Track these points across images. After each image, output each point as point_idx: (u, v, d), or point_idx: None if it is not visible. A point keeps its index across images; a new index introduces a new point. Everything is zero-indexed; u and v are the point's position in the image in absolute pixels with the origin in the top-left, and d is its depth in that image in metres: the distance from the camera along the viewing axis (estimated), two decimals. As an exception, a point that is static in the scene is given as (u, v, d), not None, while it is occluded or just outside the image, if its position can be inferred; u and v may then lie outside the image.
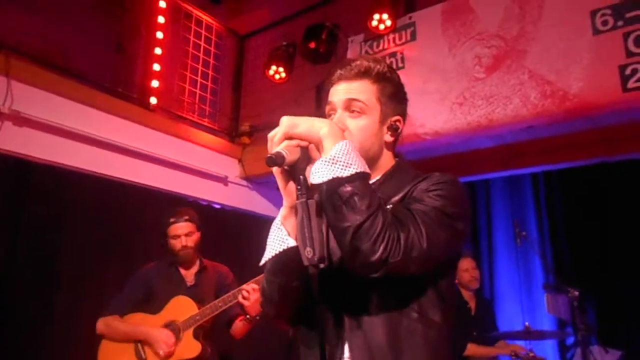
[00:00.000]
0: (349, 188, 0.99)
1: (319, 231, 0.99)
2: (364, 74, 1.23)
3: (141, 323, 2.70)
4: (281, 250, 1.12)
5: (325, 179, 1.00)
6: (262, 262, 1.17)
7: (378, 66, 1.24)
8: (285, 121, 1.07)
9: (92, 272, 3.32)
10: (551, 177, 4.54)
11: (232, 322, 2.71)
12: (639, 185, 3.87)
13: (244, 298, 2.45)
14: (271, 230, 1.15)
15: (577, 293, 2.98)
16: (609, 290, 3.90)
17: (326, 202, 1.01)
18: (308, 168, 1.06)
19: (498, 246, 4.75)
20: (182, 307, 2.68)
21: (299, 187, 1.03)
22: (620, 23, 2.71)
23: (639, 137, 3.07)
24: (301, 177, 1.04)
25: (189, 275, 2.82)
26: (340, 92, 1.23)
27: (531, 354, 3.05)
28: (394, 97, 1.25)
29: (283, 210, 1.14)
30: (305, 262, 0.98)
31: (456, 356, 3.26)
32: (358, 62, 1.24)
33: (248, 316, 2.56)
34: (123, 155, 3.56)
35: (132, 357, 2.65)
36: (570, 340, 3.99)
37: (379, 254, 0.97)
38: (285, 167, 1.06)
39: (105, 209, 3.45)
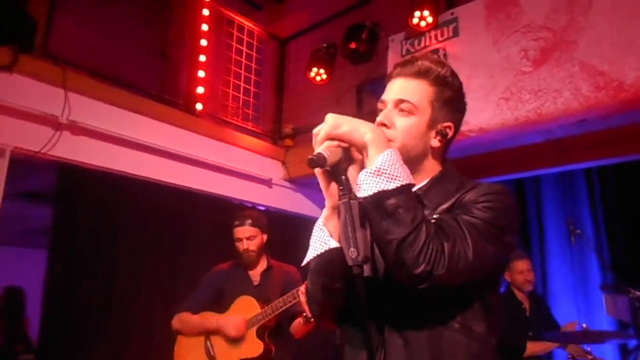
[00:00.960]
0: (394, 201, 0.99)
1: (363, 231, 0.99)
2: (423, 74, 1.20)
3: None
4: (323, 251, 1.12)
5: (370, 193, 1.00)
6: (304, 262, 1.18)
7: (439, 69, 1.21)
8: (330, 120, 1.07)
9: (144, 274, 3.45)
10: (606, 172, 4.33)
11: (293, 321, 2.75)
12: None
13: (302, 294, 2.48)
14: (313, 231, 1.16)
15: (638, 293, 2.83)
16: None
17: (371, 214, 1.01)
18: (350, 168, 1.06)
19: (550, 246, 4.57)
20: (245, 307, 2.75)
21: (341, 187, 1.03)
22: (679, 7, 2.55)
23: (702, 127, 2.89)
24: (343, 177, 1.04)
25: (255, 275, 2.89)
26: (394, 89, 1.22)
27: (590, 357, 2.92)
28: (450, 103, 1.21)
29: (325, 211, 1.14)
30: (350, 262, 0.98)
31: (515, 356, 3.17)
32: (419, 62, 1.22)
33: (305, 315, 2.59)
34: (170, 159, 3.68)
35: (201, 352, 2.78)
36: (632, 343, 3.79)
37: (422, 266, 0.96)
38: (327, 168, 1.06)
39: (156, 212, 3.59)
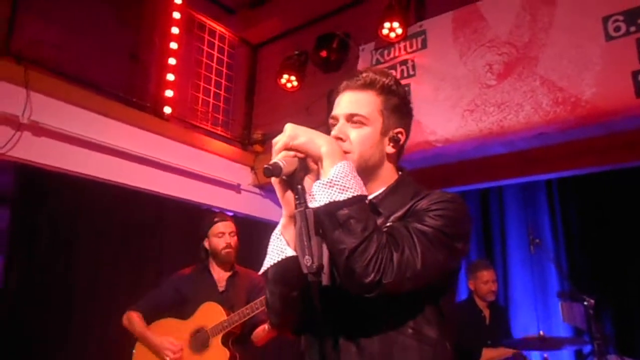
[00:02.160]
0: (345, 211, 1.01)
1: (317, 240, 1.01)
2: (369, 85, 1.25)
3: (169, 329, 2.76)
4: (280, 259, 1.13)
5: (323, 203, 1.02)
6: (261, 271, 1.19)
7: (384, 79, 1.26)
8: (288, 130, 1.09)
9: (106, 279, 3.37)
10: (565, 184, 4.49)
11: (255, 329, 2.73)
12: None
13: None
14: (271, 240, 1.17)
15: (592, 301, 2.93)
16: (626, 299, 3.83)
17: (324, 224, 1.03)
18: (306, 178, 1.08)
19: (512, 254, 4.70)
20: (211, 314, 2.71)
21: (296, 196, 1.05)
22: (632, 29, 2.69)
23: (653, 142, 3.03)
24: (299, 187, 1.05)
25: (221, 280, 2.86)
26: (343, 103, 1.25)
27: (545, 363, 3.01)
28: (398, 110, 1.26)
29: (282, 220, 1.15)
30: (305, 270, 0.99)
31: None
32: (364, 74, 1.26)
33: (264, 325, 2.59)
34: (138, 163, 3.62)
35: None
36: (587, 349, 3.93)
37: (372, 275, 0.99)
38: (283, 177, 1.08)
39: (120, 216, 3.51)
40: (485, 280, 3.61)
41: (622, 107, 2.67)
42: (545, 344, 3.13)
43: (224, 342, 2.65)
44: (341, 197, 1.02)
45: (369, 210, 1.06)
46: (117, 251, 3.46)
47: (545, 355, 3.13)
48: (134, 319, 2.75)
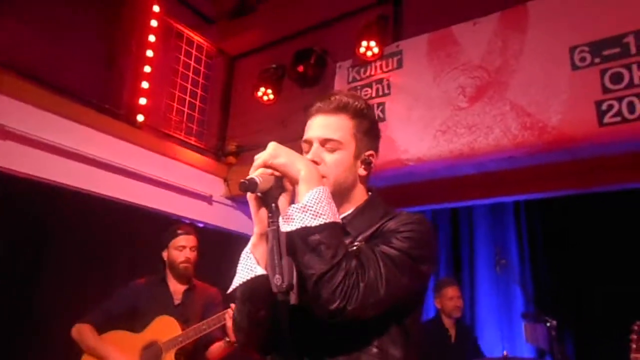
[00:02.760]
0: (317, 237, 1.02)
1: (289, 259, 1.01)
2: (342, 109, 1.26)
3: (120, 342, 2.65)
4: (249, 278, 1.13)
5: (295, 227, 1.03)
6: (230, 289, 1.18)
7: (356, 102, 1.28)
8: (270, 149, 1.10)
9: (72, 288, 3.26)
10: (532, 206, 4.61)
11: (210, 345, 2.67)
12: (616, 217, 3.95)
13: (229, 318, 2.42)
14: (241, 258, 1.17)
15: (555, 322, 3.00)
16: (587, 320, 3.93)
17: (295, 247, 1.04)
18: (281, 197, 1.08)
19: (479, 273, 4.78)
20: (165, 328, 2.63)
21: (270, 214, 1.05)
22: (597, 60, 2.80)
23: (614, 169, 3.14)
24: (273, 205, 1.06)
25: (177, 293, 2.79)
26: (316, 127, 1.26)
27: (509, 382, 3.06)
28: (369, 133, 1.29)
29: (253, 238, 1.15)
30: (275, 289, 0.99)
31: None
32: (337, 97, 1.28)
33: (228, 339, 2.54)
34: (108, 171, 3.55)
35: None
36: (549, 369, 4.00)
37: (337, 302, 1.00)
38: (258, 194, 1.08)
39: (88, 225, 3.42)
40: (450, 297, 3.66)
41: (585, 134, 2.77)
42: (508, 363, 3.18)
43: (177, 357, 2.58)
44: (314, 222, 1.03)
45: (340, 236, 1.07)
46: (85, 260, 3.36)
47: (508, 375, 3.18)
48: (84, 332, 2.62)
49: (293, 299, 1.17)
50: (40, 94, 3.22)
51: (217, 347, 2.63)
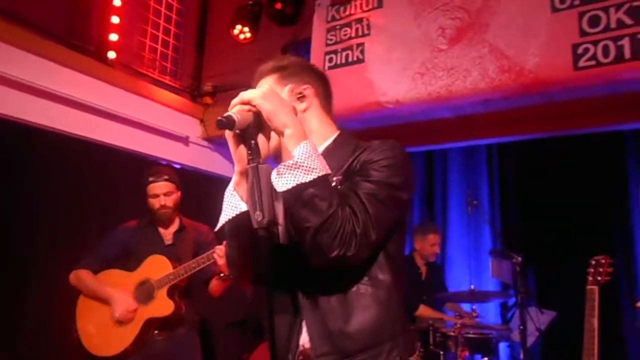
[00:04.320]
0: (311, 191, 1.04)
1: (269, 195, 1.03)
2: (265, 73, 1.32)
3: (115, 280, 2.74)
4: (235, 215, 1.15)
5: (290, 186, 1.05)
6: (217, 227, 1.21)
7: (272, 62, 1.34)
8: (259, 91, 1.11)
9: (48, 229, 3.25)
10: (505, 150, 4.73)
11: (210, 281, 2.76)
12: (583, 160, 4.10)
13: (219, 257, 2.49)
14: (225, 196, 1.19)
15: (520, 259, 3.17)
16: (548, 258, 4.17)
17: (290, 204, 1.07)
18: (260, 135, 1.09)
19: (451, 213, 4.95)
20: (157, 266, 2.70)
21: (249, 152, 1.06)
22: (576, 2, 2.80)
23: (587, 113, 3.23)
24: (252, 142, 1.07)
25: (167, 234, 2.85)
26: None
27: (474, 314, 3.27)
28: (294, 73, 1.32)
29: (235, 176, 1.17)
30: (255, 225, 1.02)
31: (407, 312, 3.44)
32: (259, 68, 1.34)
33: (222, 275, 2.62)
34: (79, 110, 3.45)
35: (105, 311, 2.69)
36: (511, 301, 4.28)
37: (337, 250, 1.04)
38: (237, 131, 1.08)
39: (63, 166, 3.36)
40: (432, 243, 3.82)
41: (561, 78, 2.81)
42: (474, 297, 3.38)
43: (170, 294, 2.67)
44: (307, 178, 1.05)
45: (332, 187, 1.10)
46: (60, 200, 3.33)
47: (474, 307, 3.39)
48: (82, 276, 2.72)
49: (281, 237, 1.21)
50: (2, 27, 3.05)
51: (215, 283, 2.73)
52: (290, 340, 1.19)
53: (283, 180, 1.05)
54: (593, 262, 2.61)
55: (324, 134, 1.32)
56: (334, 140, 1.31)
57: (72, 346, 2.76)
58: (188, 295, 2.81)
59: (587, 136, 3.60)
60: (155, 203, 2.78)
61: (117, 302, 2.66)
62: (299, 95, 1.29)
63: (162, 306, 2.66)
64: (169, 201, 2.80)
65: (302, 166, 1.05)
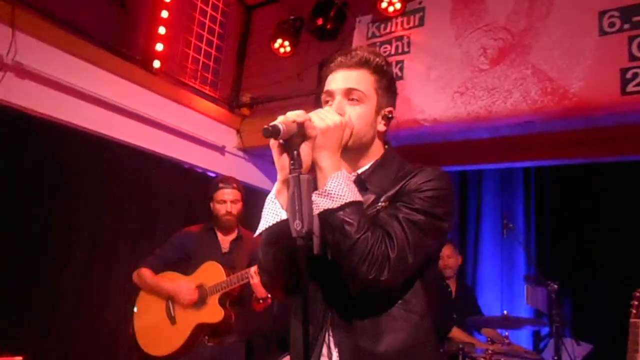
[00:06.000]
0: (339, 216, 1.08)
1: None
2: (363, 64, 1.28)
3: (173, 281, 2.81)
4: (274, 222, 1.17)
5: (318, 211, 1.10)
6: (257, 233, 1.22)
7: (377, 59, 1.30)
8: (313, 116, 1.13)
9: (87, 232, 3.34)
10: (542, 173, 4.61)
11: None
12: (624, 187, 3.96)
13: (251, 276, 2.53)
14: (265, 203, 1.20)
15: (556, 286, 3.07)
16: (585, 287, 4.02)
17: (322, 229, 1.12)
18: (303, 145, 1.11)
19: (484, 236, 4.84)
20: (211, 273, 2.75)
21: (292, 161, 1.08)
22: (627, 26, 2.74)
23: (633, 139, 3.13)
24: (295, 152, 1.08)
25: (225, 242, 2.89)
26: (339, 80, 1.28)
27: (506, 341, 3.16)
28: (389, 89, 1.31)
29: (277, 185, 1.18)
30: (294, 234, 1.03)
31: (441, 337, 3.36)
32: (359, 52, 1.29)
33: (255, 296, 2.65)
34: (122, 116, 3.56)
35: (162, 311, 2.79)
36: (545, 331, 4.13)
37: (369, 275, 1.06)
38: (281, 141, 1.10)
39: (102, 168, 3.47)
40: (445, 256, 3.72)
41: (607, 102, 2.74)
42: (507, 323, 3.28)
43: (221, 301, 2.70)
44: (335, 204, 1.09)
45: (362, 212, 1.12)
46: (98, 202, 3.43)
47: (506, 333, 3.28)
48: (145, 274, 2.81)
49: (315, 248, 1.21)
50: (57, 33, 3.19)
51: (254, 299, 2.75)
52: (314, 353, 1.19)
53: (313, 206, 1.09)
54: (637, 294, 2.49)
55: (377, 153, 1.32)
56: (382, 157, 1.32)
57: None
58: (239, 305, 2.81)
59: (629, 162, 3.48)
60: (221, 209, 2.84)
61: (178, 290, 2.72)
62: (385, 115, 1.30)
63: (213, 313, 2.69)
64: (234, 209, 2.86)
65: (331, 194, 1.09)
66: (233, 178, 3.00)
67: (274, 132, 1.04)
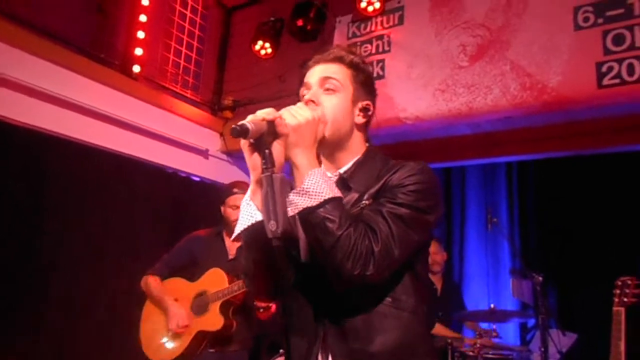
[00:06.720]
0: (319, 213, 1.06)
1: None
2: (339, 59, 1.29)
3: (177, 290, 2.81)
4: (250, 224, 1.14)
5: (298, 209, 1.07)
6: (233, 237, 1.20)
7: (352, 55, 1.31)
8: (284, 113, 1.11)
9: (71, 238, 3.29)
10: (525, 167, 4.68)
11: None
12: (605, 179, 4.03)
13: None
14: (241, 207, 1.18)
15: (540, 278, 3.11)
16: (569, 278, 4.08)
17: (302, 228, 1.10)
18: (275, 143, 1.09)
19: (469, 231, 4.89)
20: (215, 279, 2.73)
21: (263, 160, 1.06)
22: (600, 20, 2.79)
23: (610, 132, 3.19)
24: (266, 151, 1.06)
25: (232, 248, 2.84)
26: (315, 73, 1.29)
27: (494, 334, 3.20)
28: (365, 84, 1.32)
29: (251, 186, 1.16)
30: (269, 235, 1.01)
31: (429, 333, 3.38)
32: (335, 50, 1.31)
33: (257, 306, 2.65)
34: (103, 122, 3.52)
35: (165, 318, 2.77)
36: (531, 322, 4.19)
37: (356, 270, 1.04)
38: (251, 140, 1.08)
39: (86, 176, 3.42)
40: (432, 252, 3.75)
41: (584, 96, 2.79)
42: (494, 316, 3.32)
43: (223, 309, 2.67)
44: (314, 202, 1.07)
45: (342, 208, 1.10)
46: (83, 210, 3.38)
47: (494, 326, 3.32)
48: (152, 284, 2.81)
49: (302, 254, 1.21)
50: (34, 40, 3.14)
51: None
52: (309, 357, 1.18)
53: (292, 206, 1.07)
54: (619, 283, 2.54)
55: (358, 149, 1.32)
56: (364, 154, 1.31)
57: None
58: (243, 314, 2.78)
59: (610, 154, 3.55)
60: (234, 214, 2.77)
61: (173, 314, 2.70)
62: (362, 108, 1.30)
63: (213, 320, 2.67)
64: None
65: (309, 192, 1.07)
66: (246, 184, 2.97)
67: (242, 132, 1.02)
